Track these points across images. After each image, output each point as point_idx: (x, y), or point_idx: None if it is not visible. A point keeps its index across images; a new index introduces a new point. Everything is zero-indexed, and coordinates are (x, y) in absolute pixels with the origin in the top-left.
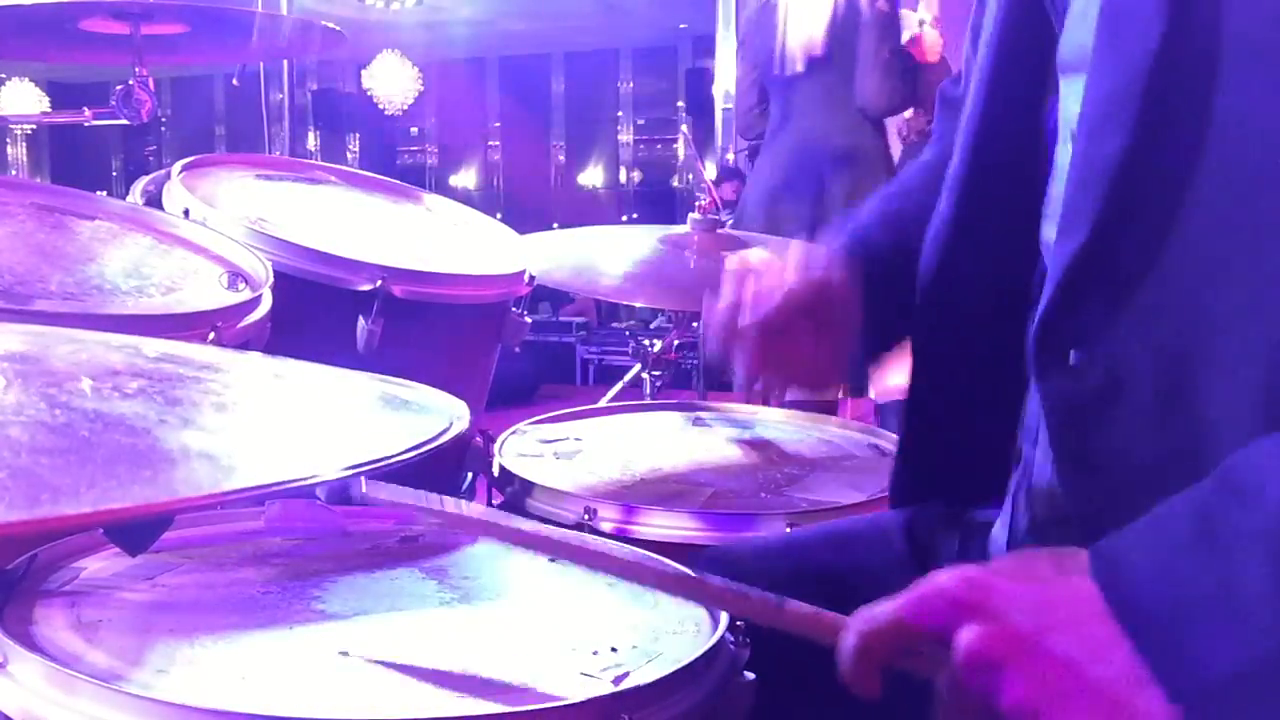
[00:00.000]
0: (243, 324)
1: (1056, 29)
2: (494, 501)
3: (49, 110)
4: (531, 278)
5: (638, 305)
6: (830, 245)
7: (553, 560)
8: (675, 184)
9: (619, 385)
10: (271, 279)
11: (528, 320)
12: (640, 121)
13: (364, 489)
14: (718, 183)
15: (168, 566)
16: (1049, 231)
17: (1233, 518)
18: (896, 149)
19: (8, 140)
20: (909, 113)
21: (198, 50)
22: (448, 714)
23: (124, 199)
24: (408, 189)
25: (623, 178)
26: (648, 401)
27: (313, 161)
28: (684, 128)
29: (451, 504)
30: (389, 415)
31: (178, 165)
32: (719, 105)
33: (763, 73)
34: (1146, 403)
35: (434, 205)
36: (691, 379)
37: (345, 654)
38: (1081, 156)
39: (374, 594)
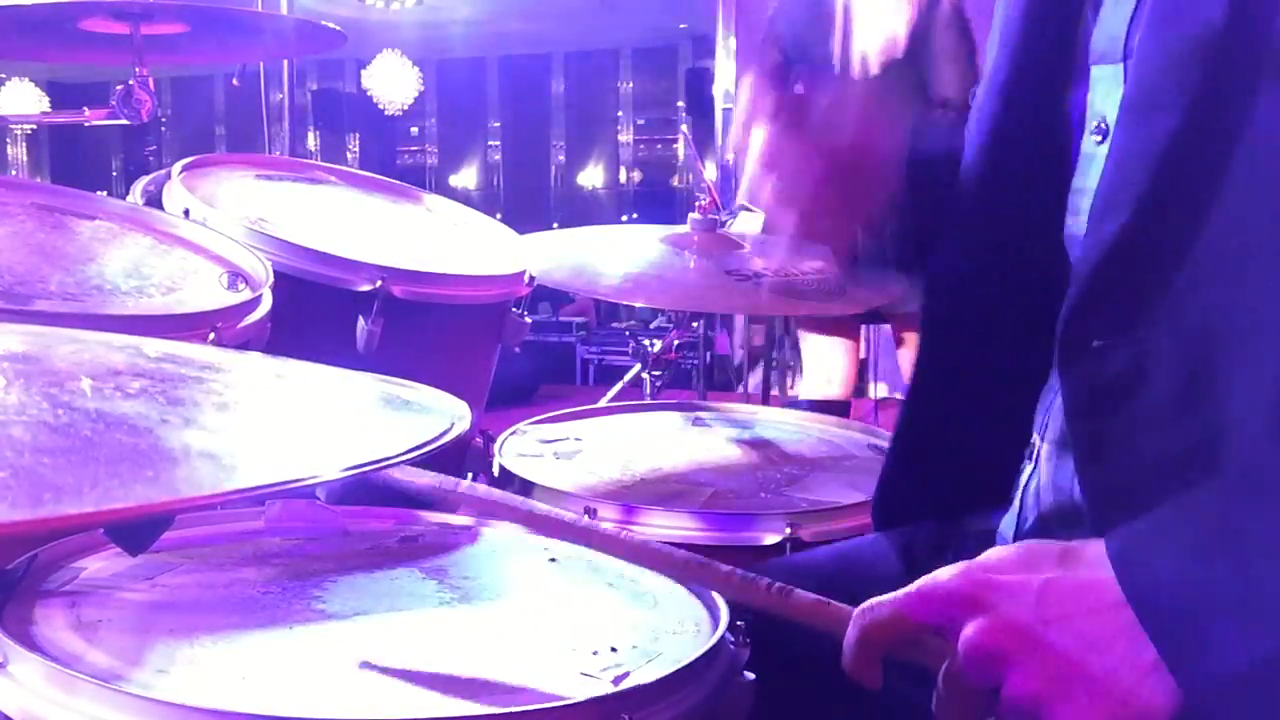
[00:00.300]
0: (243, 324)
1: (1090, 19)
2: None
3: (49, 110)
4: (531, 278)
5: (638, 305)
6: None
7: (553, 560)
8: (675, 184)
9: (619, 385)
10: (271, 279)
11: (528, 320)
12: (640, 121)
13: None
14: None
15: (168, 566)
16: (1073, 224)
17: (1254, 515)
18: None
19: (8, 140)
20: None
21: (198, 50)
22: (448, 714)
23: (124, 199)
24: (408, 189)
25: (623, 178)
26: (648, 401)
27: (313, 161)
28: (684, 128)
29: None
30: (390, 415)
31: (178, 165)
32: (719, 105)
33: (805, 73)
34: (1168, 394)
35: (434, 205)
36: (691, 379)
37: (346, 654)
38: (1124, 138)
39: (374, 594)
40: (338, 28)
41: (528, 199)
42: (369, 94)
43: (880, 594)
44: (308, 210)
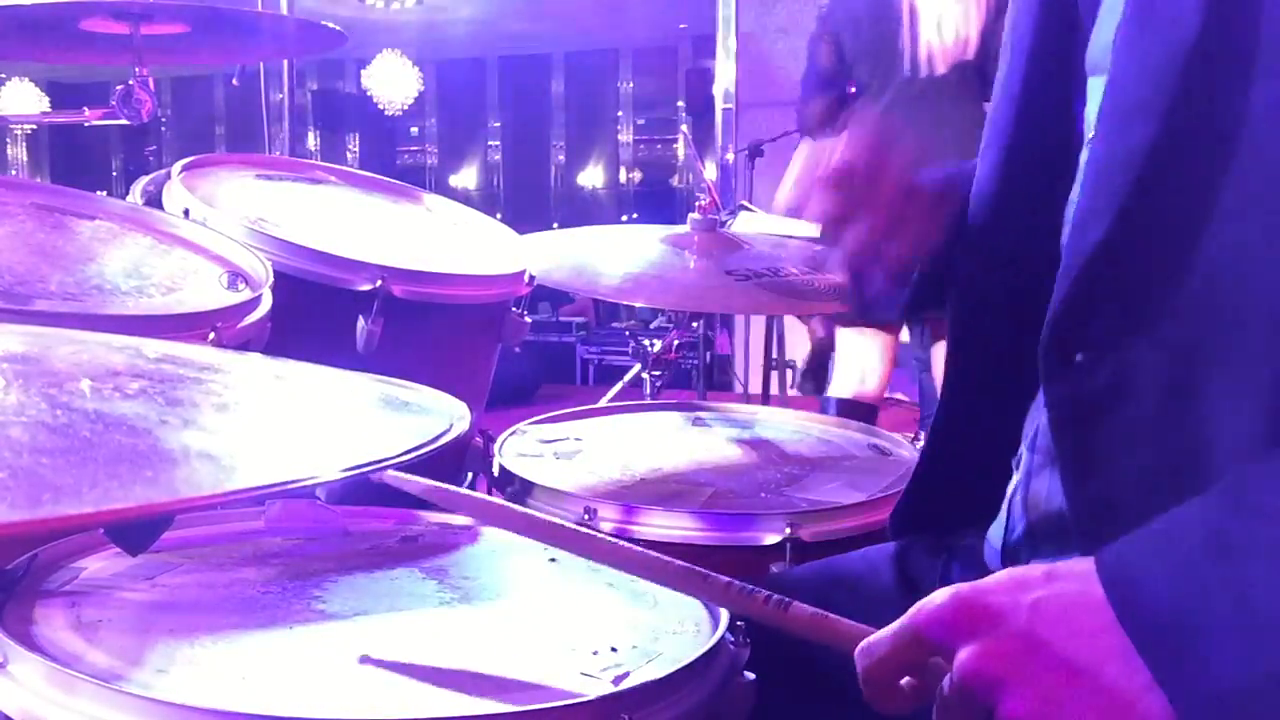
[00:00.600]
0: (243, 324)
1: (1086, 29)
2: None
3: (49, 110)
4: (531, 278)
5: (638, 305)
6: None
7: (553, 560)
8: (675, 184)
9: (619, 385)
10: (271, 279)
11: (528, 320)
12: (640, 121)
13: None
14: None
15: (168, 566)
16: (1067, 236)
17: (1247, 532)
18: None
19: (8, 140)
20: None
21: (198, 50)
22: (448, 714)
23: (124, 199)
24: (408, 189)
25: (623, 178)
26: (648, 401)
27: (313, 161)
28: (684, 128)
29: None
30: (389, 416)
31: (178, 165)
32: (719, 105)
33: (865, 71)
34: (1153, 405)
35: (434, 205)
36: (691, 379)
37: (346, 654)
38: (1102, 150)
39: (374, 594)
40: (338, 28)
41: (528, 199)
42: (369, 94)
43: (874, 604)
44: (308, 210)
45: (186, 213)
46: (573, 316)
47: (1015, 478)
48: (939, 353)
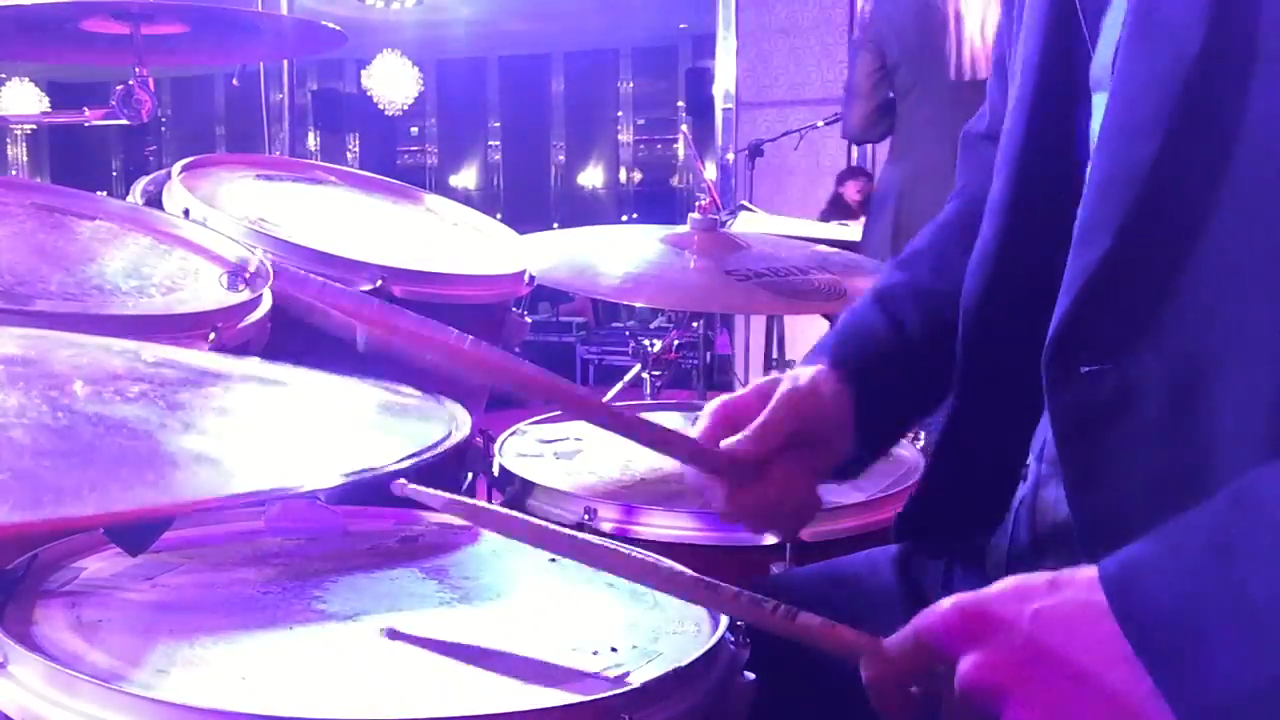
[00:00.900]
0: (243, 324)
1: (1090, 47)
2: (494, 501)
3: (49, 110)
4: (531, 278)
5: (638, 305)
6: (818, 357)
7: (553, 560)
8: (675, 184)
9: (619, 385)
10: (272, 279)
11: (528, 320)
12: (640, 121)
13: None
14: (841, 180)
15: (168, 566)
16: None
17: (1249, 538)
18: None
19: (8, 140)
20: None
21: (198, 50)
22: (448, 714)
23: (124, 199)
24: (408, 189)
25: (623, 178)
26: (648, 401)
27: (313, 161)
28: (684, 128)
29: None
30: (389, 420)
31: (178, 165)
32: (719, 105)
33: (907, 76)
34: (1157, 416)
35: (434, 205)
36: (691, 379)
37: (346, 654)
38: (1105, 164)
39: (374, 594)
40: (338, 28)
41: (528, 199)
42: (369, 94)
43: (875, 606)
44: (308, 210)
45: (186, 213)
46: (573, 316)
47: (1022, 486)
48: None
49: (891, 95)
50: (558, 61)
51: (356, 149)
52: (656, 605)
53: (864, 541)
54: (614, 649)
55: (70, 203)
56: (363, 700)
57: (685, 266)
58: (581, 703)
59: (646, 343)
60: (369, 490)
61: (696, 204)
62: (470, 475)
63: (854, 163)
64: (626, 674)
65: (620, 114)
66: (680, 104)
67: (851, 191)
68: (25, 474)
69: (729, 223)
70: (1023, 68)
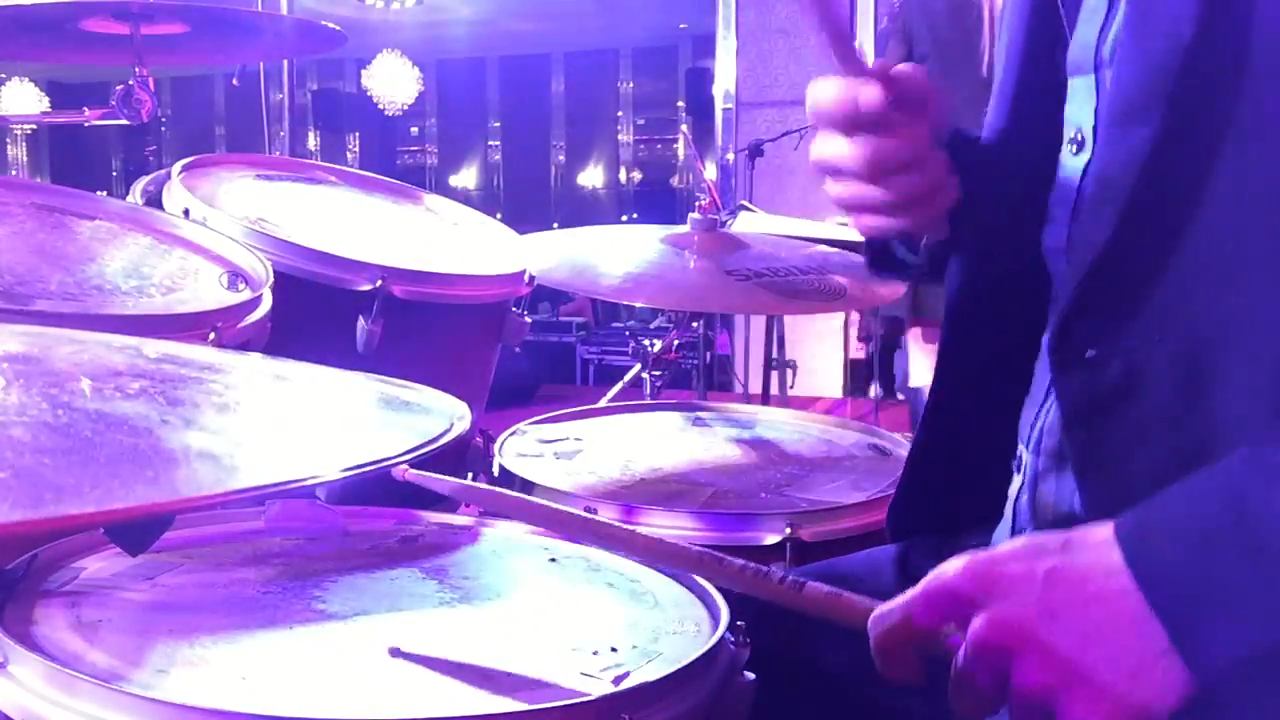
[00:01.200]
0: (243, 324)
1: (1068, 32)
2: None
3: (49, 110)
4: (531, 278)
5: (638, 305)
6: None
7: (553, 560)
8: (675, 184)
9: (619, 385)
10: (271, 279)
11: (528, 320)
12: (640, 121)
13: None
14: None
15: (168, 566)
16: (1050, 234)
17: (1266, 496)
18: None
19: (8, 140)
20: None
21: (198, 50)
22: (448, 714)
23: (124, 199)
24: (408, 189)
25: (623, 178)
26: (648, 401)
27: (313, 161)
28: (684, 128)
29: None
30: (390, 416)
31: (178, 165)
32: (719, 105)
33: (936, 69)
34: (1163, 400)
35: (434, 205)
36: (691, 379)
37: (346, 654)
38: (1103, 151)
39: (374, 594)
40: (338, 28)
41: (528, 199)
42: (369, 94)
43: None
44: (308, 210)
45: (186, 213)
46: (572, 316)
47: (1017, 480)
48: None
49: None
50: (558, 61)
51: (356, 149)
52: (656, 605)
53: (864, 541)
54: (614, 649)
55: (70, 203)
56: (362, 700)
57: (685, 266)
58: (582, 703)
59: (646, 343)
60: (369, 488)
61: (696, 204)
62: (470, 475)
63: None
64: (626, 674)
65: (620, 114)
66: (680, 104)
67: None
68: (26, 472)
69: (729, 223)
70: (1006, 53)
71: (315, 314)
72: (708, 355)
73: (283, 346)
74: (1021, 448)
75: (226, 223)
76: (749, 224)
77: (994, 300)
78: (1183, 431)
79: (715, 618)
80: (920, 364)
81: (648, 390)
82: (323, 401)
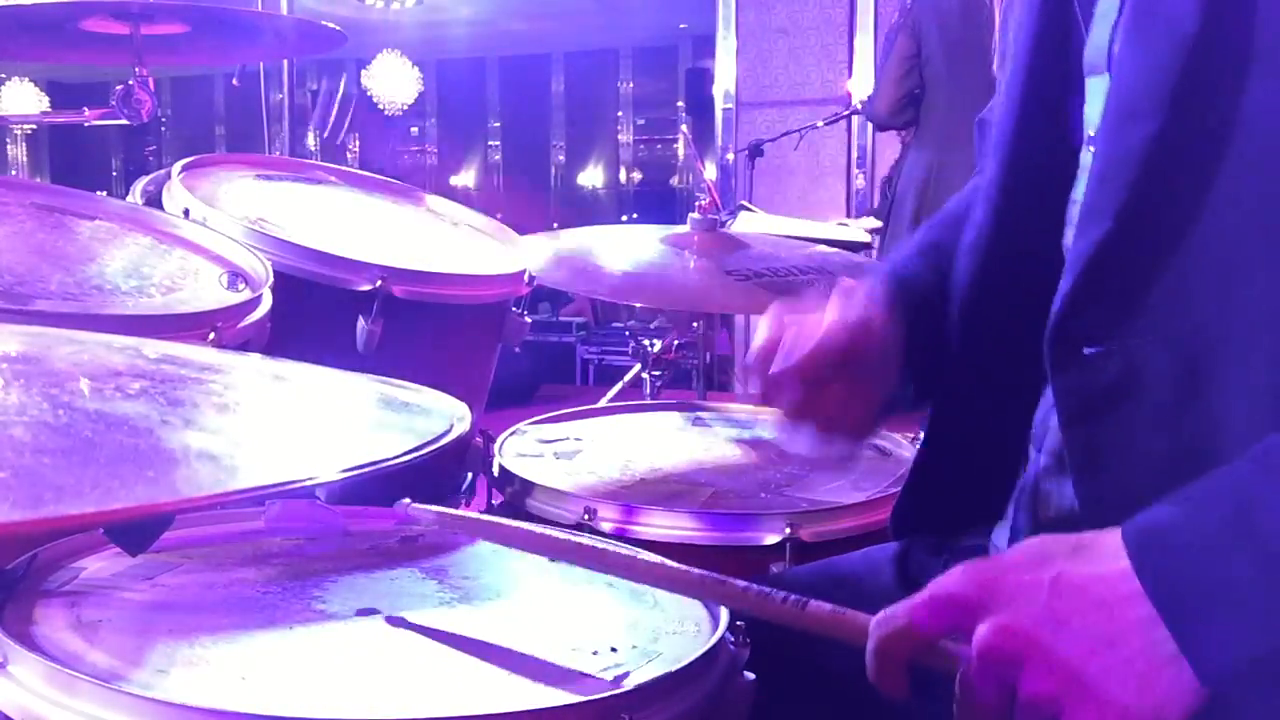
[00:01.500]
0: (243, 324)
1: (1083, 32)
2: (494, 501)
3: (49, 110)
4: (531, 278)
5: (638, 305)
6: (871, 285)
7: (553, 560)
8: (675, 184)
9: (619, 385)
10: (271, 279)
11: (528, 320)
12: (640, 121)
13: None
14: None
15: (168, 566)
16: (1069, 235)
17: (1275, 498)
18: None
19: (8, 140)
20: None
21: (198, 50)
22: (448, 714)
23: (124, 199)
24: (408, 189)
25: (623, 178)
26: (648, 401)
27: (313, 161)
28: (684, 128)
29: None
30: (389, 416)
31: (178, 165)
32: (719, 105)
33: (942, 68)
34: (1162, 399)
35: (434, 205)
36: (691, 379)
37: (346, 654)
38: (1105, 148)
39: (374, 594)
40: (338, 28)
41: (528, 199)
42: (369, 94)
43: (875, 605)
44: (308, 210)
45: (186, 213)
46: (572, 316)
47: (1022, 478)
48: None
49: (917, 90)
50: (558, 61)
51: (356, 149)
52: (656, 605)
53: (864, 541)
54: (614, 649)
55: (70, 203)
56: (363, 700)
57: (685, 266)
58: (581, 703)
59: (646, 343)
60: (369, 488)
61: (696, 204)
62: (470, 475)
63: (854, 161)
64: (626, 674)
65: (620, 114)
66: (680, 104)
67: None
68: (26, 472)
69: (729, 223)
70: (1015, 52)
71: (315, 314)
72: (708, 355)
73: (283, 346)
74: (1030, 447)
75: (226, 223)
76: (749, 224)
77: (1006, 299)
78: (1181, 430)
79: (715, 618)
80: None
81: (648, 390)
82: (322, 402)
